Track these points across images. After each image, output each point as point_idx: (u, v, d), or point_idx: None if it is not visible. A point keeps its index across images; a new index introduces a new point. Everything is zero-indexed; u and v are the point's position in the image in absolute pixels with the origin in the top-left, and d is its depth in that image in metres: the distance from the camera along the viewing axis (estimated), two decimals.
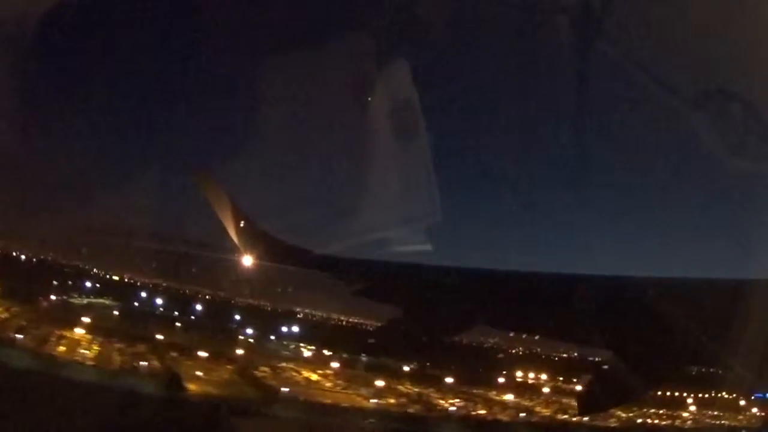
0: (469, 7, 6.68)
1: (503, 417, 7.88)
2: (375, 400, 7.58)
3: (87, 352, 8.09)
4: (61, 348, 7.98)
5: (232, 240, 5.52)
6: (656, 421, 7.34)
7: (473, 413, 8.12)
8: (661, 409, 6.78)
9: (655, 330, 4.70)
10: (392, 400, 8.13)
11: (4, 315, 8.13)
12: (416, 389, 8.08)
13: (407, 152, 6.27)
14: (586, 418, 6.52)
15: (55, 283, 8.68)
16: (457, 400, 8.38)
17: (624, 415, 7.03)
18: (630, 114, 6.15)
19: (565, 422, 8.09)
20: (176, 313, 8.63)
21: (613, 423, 7.17)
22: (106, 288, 8.72)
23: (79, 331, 8.22)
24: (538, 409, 8.58)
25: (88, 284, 8.80)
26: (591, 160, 6.57)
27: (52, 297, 8.62)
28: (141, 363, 7.86)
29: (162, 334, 8.33)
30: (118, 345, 8.30)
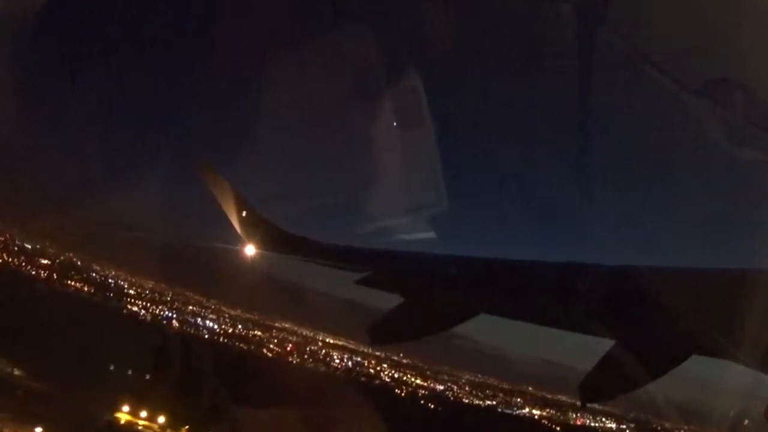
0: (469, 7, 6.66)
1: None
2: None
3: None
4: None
5: (235, 231, 5.54)
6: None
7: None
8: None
9: (657, 320, 4.71)
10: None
11: None
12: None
13: (413, 142, 6.27)
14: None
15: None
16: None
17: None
18: (633, 104, 6.15)
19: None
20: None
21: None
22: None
23: None
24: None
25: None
26: (594, 149, 6.58)
27: None
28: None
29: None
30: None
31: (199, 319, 8.84)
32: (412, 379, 8.87)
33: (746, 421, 5.87)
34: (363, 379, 8.89)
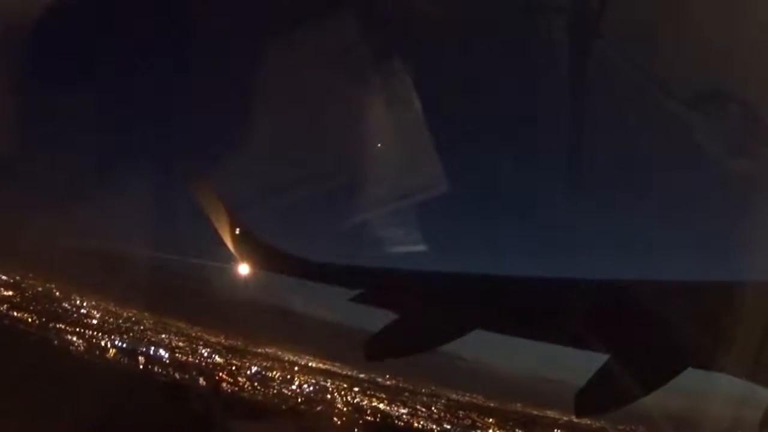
0: (466, 7, 6.60)
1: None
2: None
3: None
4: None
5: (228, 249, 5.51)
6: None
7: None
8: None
9: (653, 333, 4.71)
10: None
11: None
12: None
13: (405, 130, 6.25)
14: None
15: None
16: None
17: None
18: (627, 115, 6.13)
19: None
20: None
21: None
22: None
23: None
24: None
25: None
26: (587, 160, 6.56)
27: None
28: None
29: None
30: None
31: (162, 350, 8.58)
32: (375, 403, 8.56)
33: None
34: (304, 407, 8.57)
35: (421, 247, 6.27)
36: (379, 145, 6.44)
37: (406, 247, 6.37)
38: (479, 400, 9.55)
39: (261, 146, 6.97)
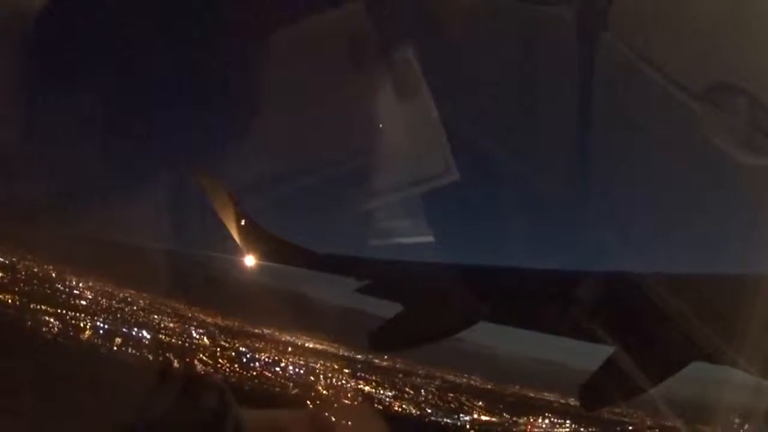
0: None
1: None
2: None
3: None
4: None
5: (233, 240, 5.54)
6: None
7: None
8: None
9: (657, 326, 4.72)
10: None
11: None
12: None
13: (412, 117, 6.23)
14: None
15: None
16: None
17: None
18: (636, 108, 6.09)
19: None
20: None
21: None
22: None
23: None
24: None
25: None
26: (595, 153, 6.53)
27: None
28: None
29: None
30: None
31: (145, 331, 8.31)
32: (361, 386, 8.33)
33: (746, 426, 5.89)
34: (278, 390, 8.27)
35: (428, 238, 6.26)
36: (386, 135, 6.43)
37: (413, 238, 6.37)
38: (476, 381, 9.38)
39: (266, 136, 6.95)
